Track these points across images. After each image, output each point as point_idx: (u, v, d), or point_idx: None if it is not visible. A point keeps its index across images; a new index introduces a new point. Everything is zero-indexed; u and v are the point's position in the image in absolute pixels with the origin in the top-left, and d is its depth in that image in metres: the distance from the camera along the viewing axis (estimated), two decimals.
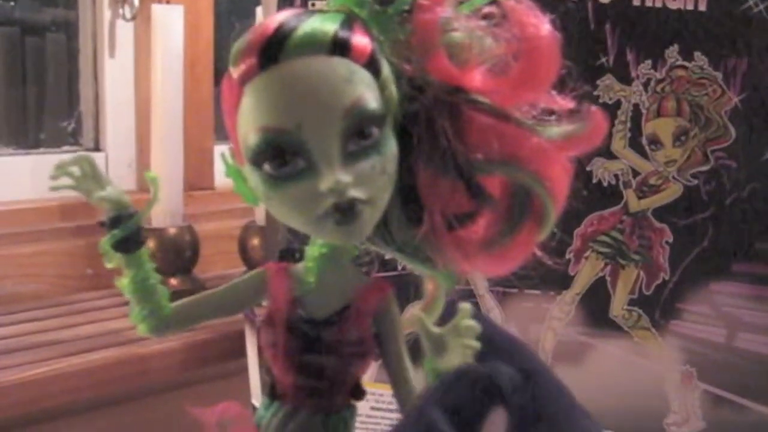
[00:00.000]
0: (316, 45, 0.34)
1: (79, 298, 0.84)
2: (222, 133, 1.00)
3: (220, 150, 0.97)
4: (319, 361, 0.39)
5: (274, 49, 0.34)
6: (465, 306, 0.37)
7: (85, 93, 0.95)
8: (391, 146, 0.35)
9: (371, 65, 0.35)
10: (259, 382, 0.71)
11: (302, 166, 0.34)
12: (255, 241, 0.85)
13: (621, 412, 0.66)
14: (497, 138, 0.35)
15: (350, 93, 0.34)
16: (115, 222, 0.39)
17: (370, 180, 0.35)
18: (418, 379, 0.40)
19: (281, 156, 0.34)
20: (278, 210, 0.36)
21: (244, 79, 0.35)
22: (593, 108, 0.37)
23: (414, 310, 0.36)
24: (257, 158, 0.35)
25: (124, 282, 0.40)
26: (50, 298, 0.84)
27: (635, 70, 0.64)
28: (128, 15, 0.90)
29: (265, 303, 0.41)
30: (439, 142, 0.35)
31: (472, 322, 0.36)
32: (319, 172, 0.34)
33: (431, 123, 0.35)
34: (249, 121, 0.35)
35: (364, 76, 0.34)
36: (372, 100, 0.34)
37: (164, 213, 0.83)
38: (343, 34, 0.34)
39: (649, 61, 0.63)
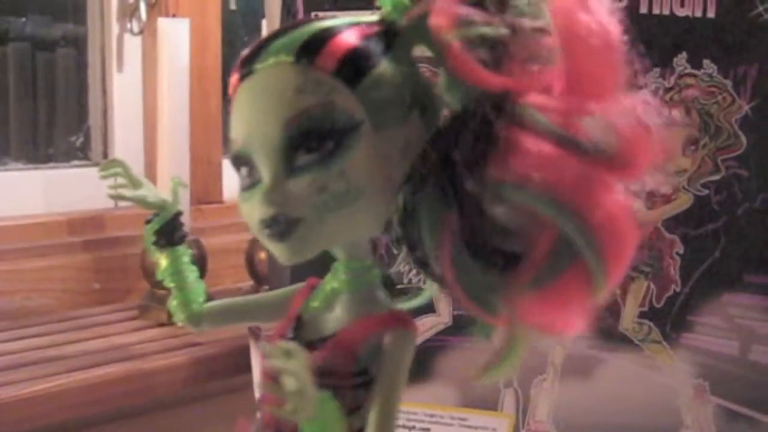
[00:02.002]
0: (285, 53, 0.33)
1: (86, 313, 0.84)
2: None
3: (229, 164, 0.97)
4: None
5: (252, 60, 0.34)
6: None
7: (94, 107, 0.96)
8: (348, 161, 0.32)
9: (344, 71, 0.33)
10: None
11: (256, 178, 0.34)
12: (262, 255, 0.84)
13: (633, 428, 0.64)
14: (529, 160, 0.30)
15: (296, 104, 0.32)
16: (149, 221, 0.43)
17: (303, 197, 0.33)
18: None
19: (242, 168, 0.35)
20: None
21: (232, 92, 0.35)
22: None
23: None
24: (234, 166, 0.35)
25: (160, 272, 0.43)
26: (57, 313, 0.83)
27: (643, 79, 0.62)
28: (136, 29, 0.90)
29: None
30: (451, 160, 0.31)
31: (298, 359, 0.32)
32: (261, 185, 0.34)
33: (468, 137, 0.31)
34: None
35: (326, 83, 0.32)
36: (326, 111, 0.32)
37: None
38: (317, 37, 0.33)
39: (657, 70, 0.62)
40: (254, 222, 0.34)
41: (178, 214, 0.43)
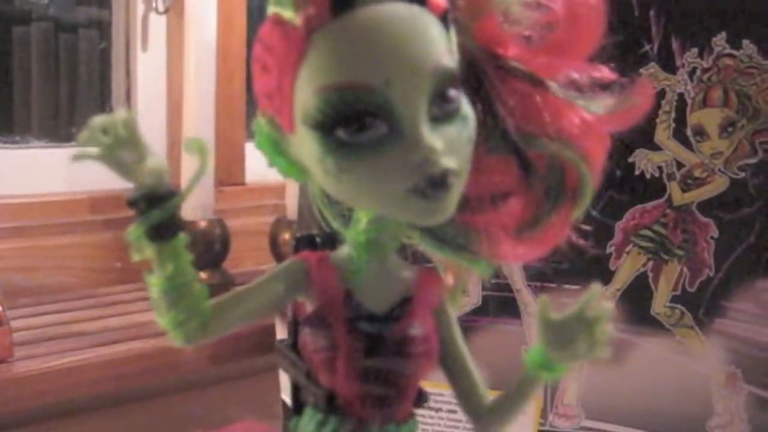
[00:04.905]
0: None
1: (107, 291, 0.84)
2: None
3: (252, 146, 0.97)
4: (385, 363, 0.34)
5: None
6: (595, 286, 0.34)
7: (117, 87, 0.95)
8: (471, 111, 0.32)
9: (445, 19, 0.31)
10: (288, 383, 0.70)
11: (383, 131, 0.29)
12: (286, 236, 0.83)
13: (662, 414, 0.63)
14: (548, 112, 0.32)
15: (436, 48, 0.30)
16: (152, 201, 0.32)
17: (459, 148, 0.31)
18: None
19: (359, 119, 0.29)
20: (350, 186, 0.31)
21: (312, 27, 0.29)
22: (642, 79, 0.35)
23: (541, 296, 0.34)
24: (328, 122, 0.29)
25: (155, 279, 0.33)
26: (79, 290, 0.83)
27: (680, 59, 0.61)
28: (161, 8, 0.90)
29: (303, 299, 0.35)
30: (495, 114, 0.32)
31: (605, 304, 0.33)
32: (405, 138, 0.29)
33: (485, 93, 0.32)
34: (319, 77, 0.29)
35: (441, 30, 0.31)
36: (451, 59, 0.31)
37: (194, 207, 0.83)
38: None
39: (695, 49, 0.61)
40: (403, 181, 0.30)
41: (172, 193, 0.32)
